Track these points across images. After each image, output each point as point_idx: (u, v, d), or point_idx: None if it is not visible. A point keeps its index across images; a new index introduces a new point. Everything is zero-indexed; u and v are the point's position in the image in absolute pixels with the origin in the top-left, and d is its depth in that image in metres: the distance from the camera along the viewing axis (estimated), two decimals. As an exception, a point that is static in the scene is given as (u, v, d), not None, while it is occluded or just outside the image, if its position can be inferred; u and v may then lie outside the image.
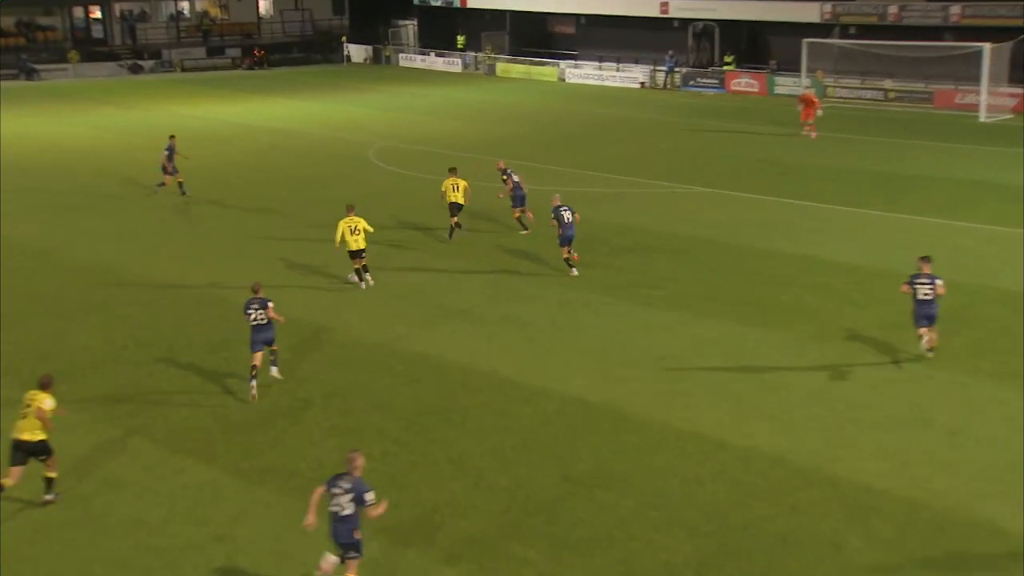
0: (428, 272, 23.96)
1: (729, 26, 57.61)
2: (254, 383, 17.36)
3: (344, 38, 74.72)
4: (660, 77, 58.54)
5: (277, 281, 23.34)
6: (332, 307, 21.80)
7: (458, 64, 68.20)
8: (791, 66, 52.82)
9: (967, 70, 45.17)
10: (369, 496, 11.77)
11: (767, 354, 19.11)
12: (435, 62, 69.37)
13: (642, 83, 58.85)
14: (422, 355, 19.28)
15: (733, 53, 56.69)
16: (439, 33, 70.59)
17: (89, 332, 20.61)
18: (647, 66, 60.00)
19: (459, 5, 69.18)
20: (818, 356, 18.89)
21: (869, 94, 49.67)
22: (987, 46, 43.31)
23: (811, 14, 53.45)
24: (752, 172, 34.88)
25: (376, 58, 73.00)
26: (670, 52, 57.49)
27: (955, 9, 48.70)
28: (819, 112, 42.19)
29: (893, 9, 50.74)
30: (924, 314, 18.57)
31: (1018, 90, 45.77)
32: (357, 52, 73.99)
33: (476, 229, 27.30)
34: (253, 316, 17.46)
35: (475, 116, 47.81)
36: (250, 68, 70.33)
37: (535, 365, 18.73)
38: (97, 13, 73.10)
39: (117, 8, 73.15)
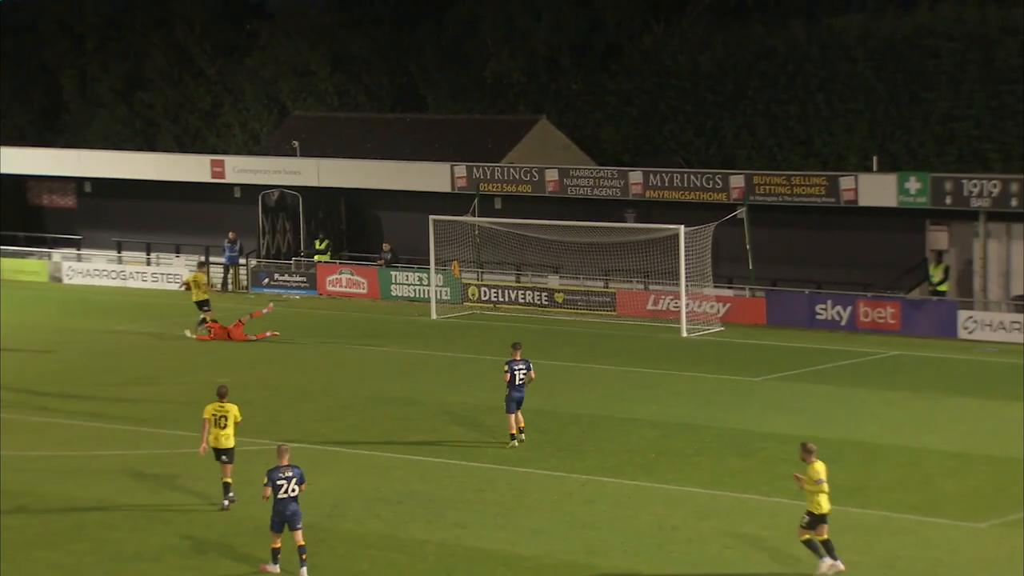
0: None
1: (319, 196, 59.86)
2: None
3: None
4: (218, 274, 59.37)
5: None
6: None
7: None
8: (415, 255, 55.37)
9: (660, 263, 49.35)
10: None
11: None
12: None
13: (188, 284, 59.26)
14: None
15: (327, 236, 58.73)
16: None
17: None
18: (196, 256, 60.74)
19: None
20: None
21: (528, 296, 52.92)
22: (682, 229, 47.67)
23: (439, 181, 56.72)
24: (364, 414, 36.35)
25: None
26: (230, 235, 58.65)
27: (636, 177, 53.47)
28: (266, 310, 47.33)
29: (552, 176, 54.91)
30: (516, 398, 32.55)
31: (727, 292, 50.43)
32: None
33: None
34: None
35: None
36: None
37: None
38: None
39: None
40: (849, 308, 47.85)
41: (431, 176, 56.99)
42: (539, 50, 70.78)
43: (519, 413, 33.14)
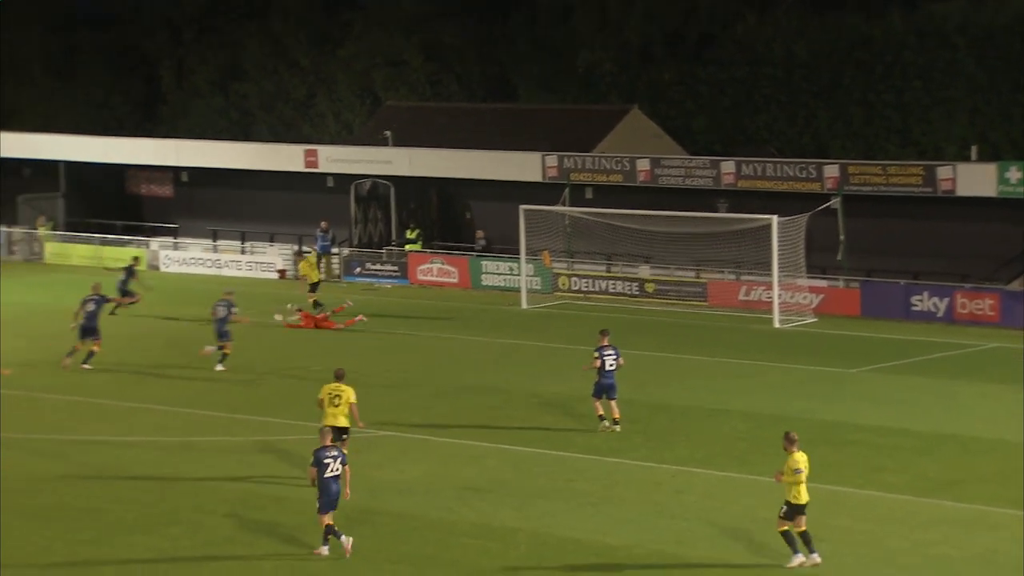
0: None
1: (410, 186, 60.02)
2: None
3: None
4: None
5: None
6: None
7: (-20, 247, 66.83)
8: (505, 244, 55.38)
9: (753, 253, 49.01)
10: None
11: None
12: (-61, 243, 67.65)
13: (282, 271, 59.80)
14: None
15: (418, 226, 58.88)
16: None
17: None
18: (289, 245, 61.16)
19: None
20: None
21: (618, 286, 52.76)
22: (775, 219, 47.31)
23: (530, 170, 56.66)
24: (455, 403, 36.46)
25: None
26: (323, 224, 58.95)
27: (728, 167, 53.12)
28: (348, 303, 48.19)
29: (644, 166, 54.68)
30: (606, 385, 32.77)
31: (820, 283, 49.99)
32: None
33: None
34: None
35: (7, 331, 46.91)
36: None
37: None
38: None
39: None
40: (946, 299, 47.27)
41: (522, 166, 56.93)
42: (631, 39, 70.54)
43: (613, 404, 33.18)
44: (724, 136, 67.21)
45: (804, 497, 24.13)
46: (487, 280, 55.40)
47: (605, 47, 70.82)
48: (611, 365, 32.95)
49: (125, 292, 48.90)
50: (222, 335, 40.50)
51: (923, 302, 47.66)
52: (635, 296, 52.04)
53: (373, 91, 76.27)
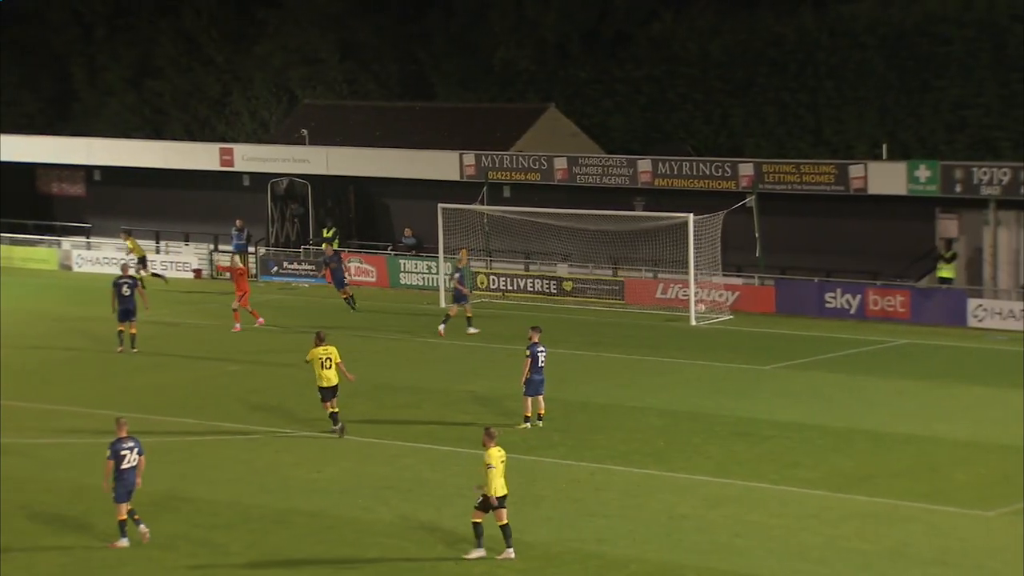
0: None
1: (328, 184, 59.94)
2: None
3: None
4: (226, 261, 59.40)
5: None
6: None
7: None
8: (424, 243, 55.42)
9: (670, 251, 49.39)
10: None
11: None
12: None
13: (197, 271, 59.49)
14: None
15: (335, 224, 58.77)
16: None
17: None
18: (204, 244, 60.88)
19: None
20: None
21: (537, 284, 52.97)
22: (691, 218, 47.71)
23: (447, 169, 56.76)
24: (373, 402, 36.48)
25: None
26: (237, 223, 58.70)
27: (644, 166, 53.48)
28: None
29: (561, 164, 54.94)
30: (538, 381, 33.01)
31: (736, 280, 50.47)
32: None
33: None
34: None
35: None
36: None
37: None
38: None
39: None
40: (859, 296, 47.86)
41: (440, 164, 57.03)
42: (548, 37, 70.79)
43: (541, 399, 33.48)
44: (641, 135, 67.61)
45: (501, 490, 24.70)
46: (405, 279, 55.40)
47: (521, 45, 70.99)
48: (543, 362, 33.34)
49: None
50: (459, 298, 45.09)
51: (836, 299, 48.23)
52: (553, 294, 52.26)
53: (289, 89, 76.04)
